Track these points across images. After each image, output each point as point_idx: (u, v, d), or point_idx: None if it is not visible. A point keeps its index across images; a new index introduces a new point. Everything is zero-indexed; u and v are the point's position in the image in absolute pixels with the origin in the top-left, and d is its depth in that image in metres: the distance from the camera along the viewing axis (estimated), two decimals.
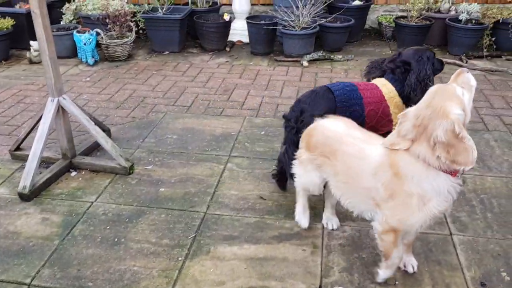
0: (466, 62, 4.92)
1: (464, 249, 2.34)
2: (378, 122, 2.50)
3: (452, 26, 5.13)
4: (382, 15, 5.90)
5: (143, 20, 5.48)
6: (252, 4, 5.87)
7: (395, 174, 1.84)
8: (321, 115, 2.26)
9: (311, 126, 2.23)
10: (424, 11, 5.21)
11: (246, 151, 3.28)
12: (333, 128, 2.15)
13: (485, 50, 5.09)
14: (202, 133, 3.54)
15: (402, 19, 5.34)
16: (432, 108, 1.73)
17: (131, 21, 5.28)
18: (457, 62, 4.88)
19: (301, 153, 2.27)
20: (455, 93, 1.76)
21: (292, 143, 2.46)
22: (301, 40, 5.04)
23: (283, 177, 2.71)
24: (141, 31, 5.63)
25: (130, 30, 5.23)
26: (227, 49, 5.49)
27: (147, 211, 2.65)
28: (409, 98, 2.51)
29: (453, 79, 1.86)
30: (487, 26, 5.03)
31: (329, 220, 2.49)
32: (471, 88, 1.82)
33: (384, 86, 2.54)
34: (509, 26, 4.95)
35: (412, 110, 1.83)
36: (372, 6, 5.78)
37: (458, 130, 1.65)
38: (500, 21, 5.00)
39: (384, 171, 1.88)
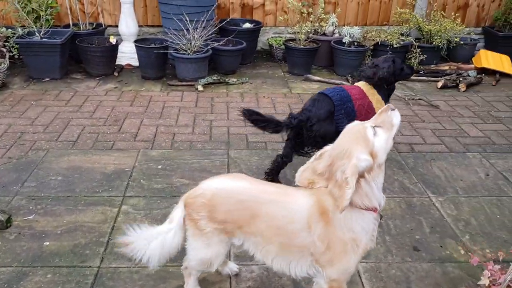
0: (353, 82, 5.18)
1: (369, 277, 2.37)
2: (366, 116, 2.80)
3: (337, 49, 5.38)
4: (272, 37, 6.01)
5: (17, 46, 4.95)
6: (139, 26, 5.63)
7: (327, 222, 1.74)
8: (324, 118, 2.89)
9: (202, 192, 1.90)
10: (311, 34, 5.40)
11: (142, 189, 3.06)
12: (242, 189, 1.87)
13: None
14: (92, 172, 3.23)
15: (291, 42, 5.48)
16: (340, 148, 1.71)
17: (3, 47, 4.75)
18: (344, 83, 5.13)
19: (202, 226, 1.88)
20: (365, 134, 1.70)
21: (293, 145, 3.04)
22: (195, 63, 4.92)
23: (276, 174, 3.12)
24: (16, 57, 5.08)
25: (3, 57, 4.69)
26: (116, 74, 5.18)
27: (29, 272, 2.31)
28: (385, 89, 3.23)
29: (377, 116, 1.80)
30: (368, 48, 5.36)
31: (225, 268, 2.32)
32: (391, 127, 1.75)
33: (364, 85, 3.18)
34: (387, 48, 5.31)
35: (327, 148, 1.80)
36: (262, 28, 5.86)
37: (346, 174, 1.62)
38: (379, 43, 5.35)
39: (316, 222, 1.75)
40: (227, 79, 5.04)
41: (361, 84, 3.22)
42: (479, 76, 5.32)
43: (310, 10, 5.46)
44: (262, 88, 4.96)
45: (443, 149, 3.76)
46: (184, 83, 4.94)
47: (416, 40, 5.56)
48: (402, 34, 5.60)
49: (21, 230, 2.61)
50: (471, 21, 6.14)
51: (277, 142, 3.78)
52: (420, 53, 5.39)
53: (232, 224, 1.86)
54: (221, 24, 5.28)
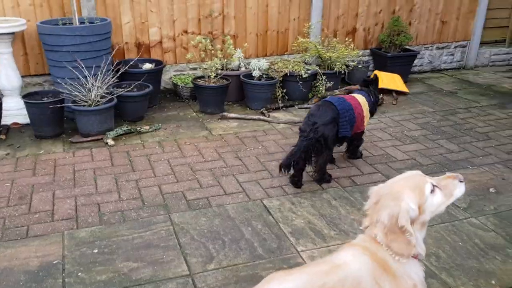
0: (268, 116, 5.08)
1: None
2: (360, 122, 3.61)
3: (247, 83, 5.24)
4: (174, 75, 5.66)
5: None
6: (22, 76, 4.86)
7: (392, 275, 1.60)
8: (328, 123, 3.37)
9: None
10: (220, 70, 5.19)
11: (84, 285, 2.52)
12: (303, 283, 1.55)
13: (280, 102, 5.36)
14: (11, 273, 2.59)
15: (200, 80, 5.20)
16: (390, 188, 1.68)
17: None
18: (262, 117, 5.00)
19: None
20: (422, 187, 1.66)
21: (303, 150, 3.36)
22: (99, 115, 4.37)
23: (300, 173, 3.52)
24: None
25: None
26: (2, 136, 4.38)
27: None
28: (373, 106, 3.86)
29: (442, 177, 1.78)
30: (277, 80, 5.31)
31: None
32: (450, 196, 1.74)
33: (358, 96, 3.72)
34: (297, 78, 5.32)
35: (376, 187, 1.78)
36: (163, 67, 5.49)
37: (401, 222, 1.59)
38: (288, 74, 5.34)
39: (383, 277, 1.59)
40: (138, 128, 4.57)
41: (357, 96, 3.73)
42: (380, 97, 5.59)
43: (218, 46, 5.23)
44: (179, 133, 4.59)
45: (381, 177, 3.80)
46: (89, 139, 4.35)
47: (317, 66, 5.67)
48: (305, 63, 5.67)
49: None
50: (360, 45, 6.48)
51: (219, 195, 3.47)
52: (326, 80, 5.49)
53: None
54: (125, 68, 4.78)
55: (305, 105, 5.42)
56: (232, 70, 5.46)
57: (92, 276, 2.59)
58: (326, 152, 3.50)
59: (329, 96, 3.78)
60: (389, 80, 5.99)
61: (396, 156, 4.20)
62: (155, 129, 4.64)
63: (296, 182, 3.55)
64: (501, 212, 3.31)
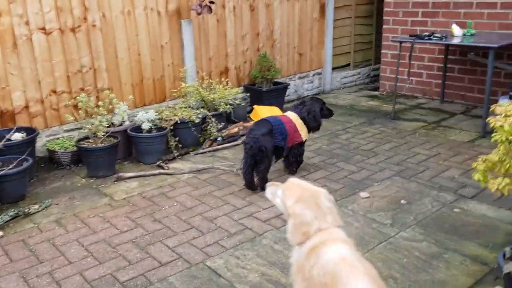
0: (168, 168, 4.80)
1: None
2: (294, 135, 4.34)
3: (137, 137, 4.90)
4: (48, 141, 5.00)
5: None
6: None
7: None
8: (265, 134, 4.12)
9: None
10: (107, 128, 4.75)
11: None
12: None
13: (175, 151, 5.11)
14: None
15: (85, 142, 4.68)
16: (308, 192, 2.23)
17: None
18: (162, 171, 4.70)
19: None
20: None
21: (250, 159, 4.10)
22: None
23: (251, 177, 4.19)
24: None
25: None
26: None
27: None
28: (305, 121, 4.47)
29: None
30: (168, 130, 5.07)
31: None
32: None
33: (290, 114, 4.47)
34: (189, 124, 5.15)
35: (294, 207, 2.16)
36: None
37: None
38: (178, 121, 5.14)
39: None
40: (25, 209, 3.89)
41: (288, 113, 4.48)
42: None
43: (101, 103, 4.78)
44: (76, 207, 4.03)
45: None
46: None
47: (202, 109, 5.59)
48: (190, 107, 5.54)
49: None
50: (233, 83, 6.59)
51: (156, 268, 3.11)
52: (216, 121, 5.43)
53: None
54: None
55: (201, 150, 5.27)
56: (121, 125, 5.05)
57: None
58: (267, 160, 4.14)
59: (268, 117, 4.54)
60: (269, 112, 6.18)
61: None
62: (46, 207, 4.00)
63: (251, 186, 4.20)
64: (421, 221, 3.61)
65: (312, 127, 4.54)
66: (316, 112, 4.48)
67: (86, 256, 3.27)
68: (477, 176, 2.86)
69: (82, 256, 3.27)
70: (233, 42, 6.52)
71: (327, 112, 4.67)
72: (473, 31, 5.90)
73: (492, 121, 2.70)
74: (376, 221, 3.63)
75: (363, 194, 4.10)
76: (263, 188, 3.63)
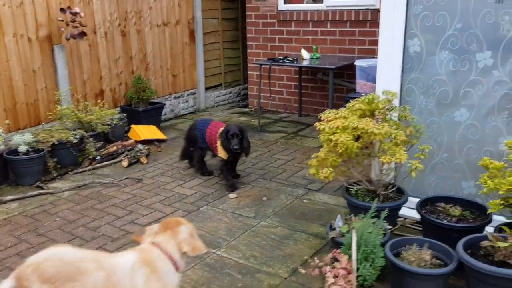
0: (48, 188, 4.98)
1: None
2: (211, 141, 4.99)
3: (14, 160, 5.01)
4: None
5: None
6: None
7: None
8: (194, 129, 5.29)
9: (32, 261, 2.25)
10: None
11: None
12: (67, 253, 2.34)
13: (54, 172, 5.30)
14: None
15: None
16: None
17: None
18: (42, 191, 4.87)
19: None
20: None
21: (186, 144, 5.44)
22: None
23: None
24: None
25: None
26: None
27: None
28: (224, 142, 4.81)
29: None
30: (45, 151, 5.24)
31: None
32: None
33: (221, 126, 4.98)
34: (66, 144, 5.38)
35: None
36: None
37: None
38: (56, 142, 5.35)
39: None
40: None
41: (220, 125, 5.00)
42: (146, 147, 6.16)
43: None
44: None
45: (183, 213, 4.37)
46: None
47: (79, 130, 5.83)
48: (68, 129, 5.74)
49: None
50: (110, 104, 6.90)
51: None
52: (93, 141, 5.72)
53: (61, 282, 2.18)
54: None
55: (80, 169, 5.51)
56: None
57: None
58: (197, 150, 5.22)
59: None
60: (147, 131, 6.63)
61: (186, 193, 4.85)
62: None
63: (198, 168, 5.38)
64: (278, 212, 4.36)
65: (225, 147, 4.76)
66: (237, 135, 4.68)
67: None
68: (312, 170, 3.67)
69: None
70: (106, 65, 6.85)
71: (245, 145, 4.77)
72: (318, 55, 7.02)
73: (317, 125, 3.53)
74: (242, 216, 4.29)
75: (231, 195, 4.76)
76: (197, 172, 5.38)
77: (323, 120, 3.56)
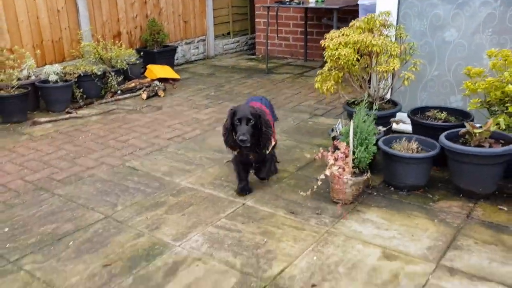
0: (76, 113, 5.50)
1: None
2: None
3: (46, 87, 5.51)
4: None
5: None
6: None
7: None
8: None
9: None
10: (18, 80, 5.29)
11: (24, 247, 2.77)
12: None
13: (80, 101, 5.80)
14: None
15: None
16: None
17: None
18: (72, 115, 5.39)
19: None
20: None
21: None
22: None
23: None
24: None
25: None
26: None
27: None
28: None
29: None
30: (73, 81, 5.74)
31: None
32: None
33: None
34: (92, 76, 5.86)
35: None
36: None
37: None
38: (82, 74, 5.83)
39: None
40: None
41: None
42: (162, 84, 6.64)
43: (12, 56, 5.27)
44: (1, 143, 4.62)
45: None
46: None
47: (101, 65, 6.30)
48: (90, 65, 6.21)
49: None
50: (126, 46, 7.32)
51: (84, 170, 3.92)
52: (115, 76, 6.20)
53: None
54: None
55: (104, 100, 6.01)
56: (22, 79, 5.59)
57: (21, 242, 2.85)
58: None
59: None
60: (163, 70, 7.09)
61: (202, 117, 5.36)
62: None
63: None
64: (285, 130, 4.86)
65: (227, 139, 3.37)
66: (247, 120, 3.18)
67: (22, 169, 3.97)
68: (316, 85, 4.14)
69: (18, 169, 3.97)
70: (123, 8, 7.25)
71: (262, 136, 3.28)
72: None
73: (322, 42, 3.97)
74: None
75: None
76: None
77: (328, 39, 4.00)
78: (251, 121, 3.16)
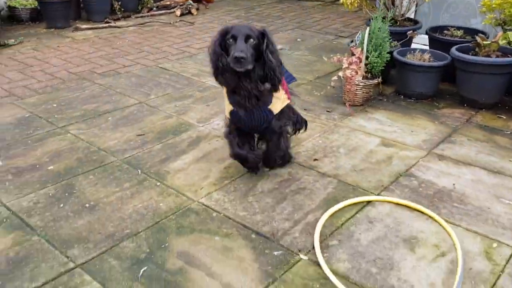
0: (115, 23, 5.85)
1: None
2: None
3: None
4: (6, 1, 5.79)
5: None
6: None
7: None
8: None
9: None
10: None
11: (67, 119, 3.24)
12: None
13: (119, 13, 6.14)
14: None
15: None
16: None
17: None
18: (111, 25, 5.74)
19: None
20: None
21: None
22: None
23: None
24: None
25: None
26: None
27: None
28: None
29: None
30: None
31: None
32: None
33: None
34: None
35: None
36: None
37: None
38: None
39: None
40: (2, 42, 4.84)
41: None
42: (196, 3, 6.87)
43: None
44: (45, 43, 5.04)
45: None
46: None
47: None
48: None
49: None
50: None
51: (121, 67, 4.32)
52: None
53: None
54: None
55: (140, 14, 6.32)
56: None
57: (67, 115, 3.31)
58: None
59: None
60: None
61: None
62: (20, 42, 4.97)
63: None
64: (309, 48, 5.10)
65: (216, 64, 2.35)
66: (247, 37, 2.22)
67: (66, 63, 4.40)
68: (341, 0, 4.33)
69: (63, 62, 4.40)
70: None
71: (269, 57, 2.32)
72: None
73: None
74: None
75: (279, 47, 5.49)
76: None
77: None
78: (251, 39, 2.20)
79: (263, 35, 2.25)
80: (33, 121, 3.21)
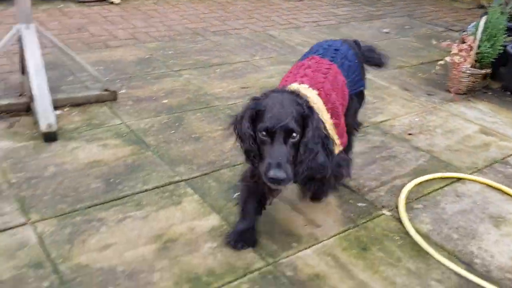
0: None
1: None
2: None
3: None
4: None
5: None
6: None
7: None
8: None
9: None
10: None
11: (181, 66, 3.55)
12: None
13: None
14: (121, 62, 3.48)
15: None
16: None
17: None
18: None
19: None
20: None
21: None
22: None
23: None
24: None
25: None
26: None
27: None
28: None
29: None
30: None
31: None
32: None
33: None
34: None
35: None
36: None
37: None
38: None
39: None
40: None
41: None
42: None
43: None
44: None
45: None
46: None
47: None
48: None
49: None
50: None
51: (232, 29, 4.58)
52: None
53: None
54: None
55: None
56: None
57: (181, 61, 3.62)
58: None
59: None
60: None
61: (338, 12, 5.68)
62: None
63: None
64: (416, 35, 5.02)
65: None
66: (286, 134, 1.62)
67: (183, 18, 4.75)
68: None
69: (180, 18, 4.75)
70: None
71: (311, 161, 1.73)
72: None
73: None
74: (381, 32, 5.05)
75: (384, 30, 5.48)
76: None
77: None
78: (293, 133, 1.60)
79: (306, 116, 1.61)
80: (152, 62, 3.56)
